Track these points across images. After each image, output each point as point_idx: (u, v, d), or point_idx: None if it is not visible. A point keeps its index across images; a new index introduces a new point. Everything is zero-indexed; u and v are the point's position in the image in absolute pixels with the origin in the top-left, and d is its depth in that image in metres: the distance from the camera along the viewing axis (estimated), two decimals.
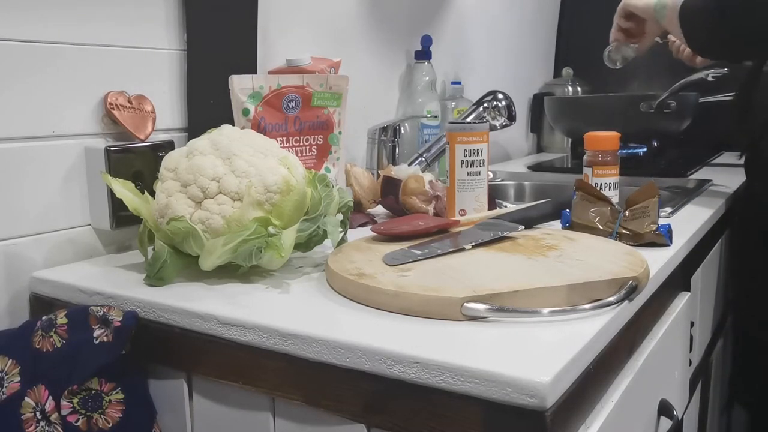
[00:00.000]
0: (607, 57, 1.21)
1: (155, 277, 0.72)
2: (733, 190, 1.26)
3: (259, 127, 0.93)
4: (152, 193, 0.77)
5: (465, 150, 0.92)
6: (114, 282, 0.74)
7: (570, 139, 1.83)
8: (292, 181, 0.74)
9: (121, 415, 0.66)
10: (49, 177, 0.81)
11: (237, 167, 0.73)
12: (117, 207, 0.82)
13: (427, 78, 1.41)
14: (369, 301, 0.63)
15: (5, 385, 0.65)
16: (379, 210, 1.09)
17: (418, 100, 1.40)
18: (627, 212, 0.84)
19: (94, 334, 0.65)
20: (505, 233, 0.79)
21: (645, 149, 1.60)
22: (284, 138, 0.96)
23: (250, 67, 1.02)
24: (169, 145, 0.90)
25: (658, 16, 1.07)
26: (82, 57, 0.83)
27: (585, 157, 0.99)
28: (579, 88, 2.01)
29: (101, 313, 0.65)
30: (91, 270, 0.80)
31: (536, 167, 1.67)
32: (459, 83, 1.56)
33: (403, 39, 1.44)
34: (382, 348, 0.54)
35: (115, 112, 0.85)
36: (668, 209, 1.02)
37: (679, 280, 0.90)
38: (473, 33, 1.74)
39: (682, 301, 0.92)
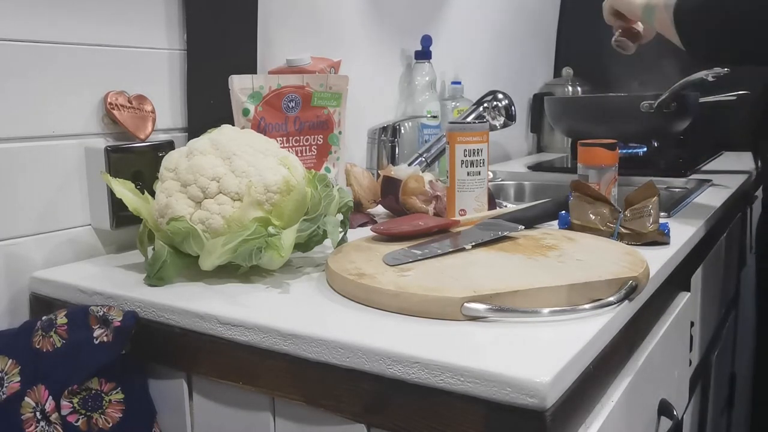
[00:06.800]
0: (616, 45, 1.11)
1: (155, 277, 0.72)
2: (733, 190, 1.26)
3: (259, 127, 0.93)
4: (152, 193, 0.77)
5: (465, 150, 0.92)
6: (114, 282, 0.74)
7: (570, 139, 1.83)
8: (292, 181, 0.74)
9: (121, 415, 0.66)
10: (49, 177, 0.81)
11: (237, 167, 0.73)
12: (117, 207, 0.82)
13: (427, 78, 1.41)
14: (369, 301, 0.63)
15: (5, 385, 0.65)
16: (379, 210, 1.09)
17: (418, 100, 1.40)
18: (627, 212, 0.84)
19: (94, 334, 0.65)
20: (505, 233, 0.79)
21: (645, 149, 1.60)
22: (284, 138, 0.96)
23: (250, 67, 1.02)
24: (169, 145, 0.90)
25: (646, 18, 0.98)
26: (82, 57, 0.83)
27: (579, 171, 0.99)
28: (579, 88, 2.01)
29: (101, 313, 0.65)
30: (91, 270, 0.80)
31: (536, 167, 1.67)
32: (459, 83, 1.56)
33: (403, 39, 1.44)
34: (382, 348, 0.54)
35: (115, 112, 0.85)
36: (668, 209, 1.02)
37: (679, 280, 0.90)
38: (473, 33, 1.74)
39: (682, 301, 0.92)
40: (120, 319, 0.65)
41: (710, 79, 1.38)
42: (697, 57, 0.95)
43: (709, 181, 1.33)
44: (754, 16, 0.85)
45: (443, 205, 0.97)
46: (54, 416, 0.63)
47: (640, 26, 1.08)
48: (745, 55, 0.91)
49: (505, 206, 0.98)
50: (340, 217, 0.80)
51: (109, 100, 0.85)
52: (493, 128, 1.21)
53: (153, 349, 0.68)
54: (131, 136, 0.87)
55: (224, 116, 0.91)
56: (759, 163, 1.20)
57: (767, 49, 0.88)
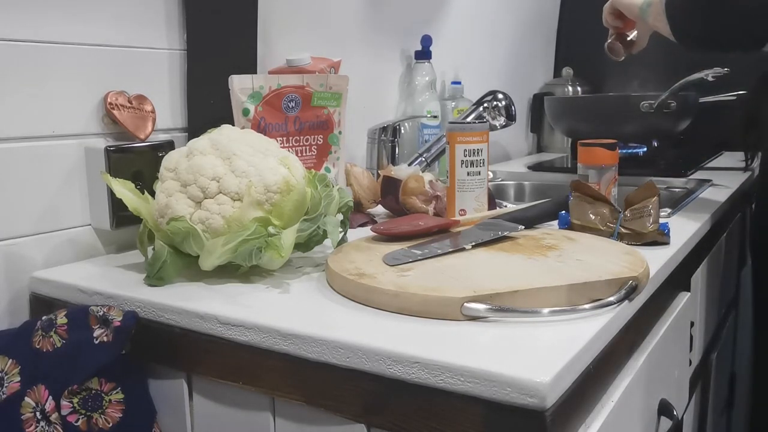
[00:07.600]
0: (608, 49, 1.14)
1: (155, 277, 0.72)
2: (733, 189, 1.26)
3: (259, 127, 0.93)
4: (152, 193, 0.77)
5: (465, 150, 0.92)
6: (114, 282, 0.74)
7: (570, 139, 1.83)
8: (292, 181, 0.74)
9: (121, 415, 0.66)
10: (49, 177, 0.81)
11: (237, 167, 0.73)
12: (117, 207, 0.82)
13: (427, 78, 1.41)
14: (369, 301, 0.63)
15: (5, 385, 0.65)
16: (379, 210, 1.09)
17: (418, 100, 1.40)
18: (627, 212, 0.84)
19: (94, 334, 0.65)
20: (505, 233, 0.79)
21: (645, 149, 1.60)
22: (284, 138, 0.96)
23: (250, 67, 1.02)
24: (169, 145, 0.90)
25: (643, 15, 1.01)
26: (82, 57, 0.83)
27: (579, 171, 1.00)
28: (579, 88, 2.01)
29: (101, 313, 0.65)
30: (91, 270, 0.80)
31: (536, 167, 1.67)
32: (459, 83, 1.56)
33: (403, 39, 1.44)
34: (382, 348, 0.54)
35: (115, 112, 0.85)
36: (668, 209, 1.02)
37: (679, 280, 0.90)
38: (473, 33, 1.74)
39: (682, 301, 0.92)
40: (120, 319, 0.65)
41: (710, 79, 1.38)
42: (687, 45, 0.97)
43: (709, 181, 1.33)
44: (741, 2, 0.87)
45: (443, 205, 0.97)
46: (54, 416, 0.63)
47: (633, 35, 1.11)
48: (732, 42, 0.93)
49: (505, 206, 0.98)
50: (340, 217, 0.80)
51: (109, 100, 0.85)
52: (493, 128, 1.21)
53: (153, 349, 0.68)
54: (131, 136, 0.87)
55: (224, 116, 0.91)
56: (748, 156, 1.21)
57: (754, 35, 0.90)
